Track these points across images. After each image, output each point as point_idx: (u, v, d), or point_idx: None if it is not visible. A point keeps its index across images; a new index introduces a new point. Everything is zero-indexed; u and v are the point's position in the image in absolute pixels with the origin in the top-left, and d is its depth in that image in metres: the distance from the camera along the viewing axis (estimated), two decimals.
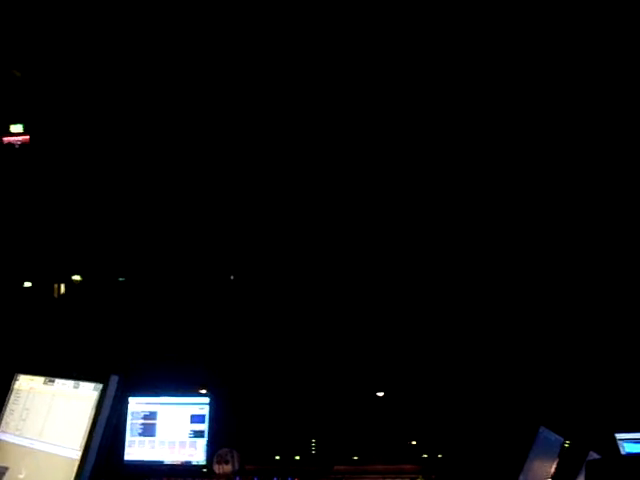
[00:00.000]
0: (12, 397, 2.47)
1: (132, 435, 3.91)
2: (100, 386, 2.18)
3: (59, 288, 5.06)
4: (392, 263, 4.32)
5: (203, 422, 3.90)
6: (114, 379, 2.17)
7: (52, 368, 2.43)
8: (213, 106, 3.88)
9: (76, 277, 5.11)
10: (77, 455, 2.10)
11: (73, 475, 2.06)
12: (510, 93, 3.51)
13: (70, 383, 2.31)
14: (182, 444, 3.89)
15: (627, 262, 3.69)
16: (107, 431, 2.12)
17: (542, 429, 3.25)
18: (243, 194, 4.36)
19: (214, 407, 3.93)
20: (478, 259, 4.12)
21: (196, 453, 3.87)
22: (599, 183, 3.71)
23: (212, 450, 3.89)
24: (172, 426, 3.91)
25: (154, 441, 3.90)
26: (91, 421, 2.13)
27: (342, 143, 3.86)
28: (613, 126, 3.41)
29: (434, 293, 4.29)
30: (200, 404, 3.93)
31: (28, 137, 4.47)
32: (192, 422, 3.90)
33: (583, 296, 3.80)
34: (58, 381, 2.36)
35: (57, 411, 2.29)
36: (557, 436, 3.00)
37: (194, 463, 3.87)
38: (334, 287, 4.52)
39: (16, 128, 4.50)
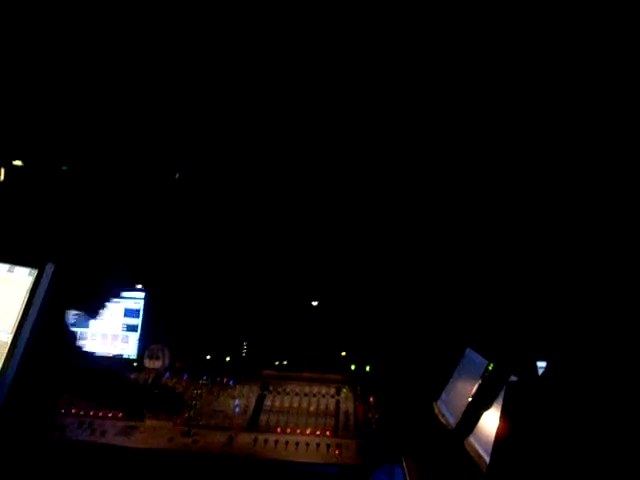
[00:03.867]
0: None
1: None
2: (35, 272, 2.17)
3: None
4: (327, 170, 4.31)
5: (137, 317, 3.92)
6: (50, 266, 2.16)
7: None
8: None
9: (17, 162, 5.00)
10: (8, 338, 2.10)
11: (3, 357, 2.07)
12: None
13: (5, 267, 2.29)
14: (114, 337, 3.91)
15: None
16: (40, 317, 2.12)
17: (468, 350, 3.35)
18: (189, 90, 4.26)
19: (148, 303, 3.95)
20: (409, 175, 4.14)
21: (128, 347, 3.90)
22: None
23: (144, 345, 3.92)
24: (106, 319, 3.92)
25: (86, 333, 3.91)
26: (24, 305, 2.13)
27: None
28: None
29: (370, 202, 4.31)
30: (135, 299, 3.94)
31: None
32: (126, 316, 3.92)
33: (516, 217, 3.86)
34: None
35: None
36: (482, 358, 3.09)
37: (125, 356, 3.90)
38: (275, 189, 4.51)
39: None
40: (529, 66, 3.24)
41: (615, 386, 1.58)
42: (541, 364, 2.91)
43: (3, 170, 4.98)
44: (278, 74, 3.79)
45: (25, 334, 2.09)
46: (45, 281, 2.15)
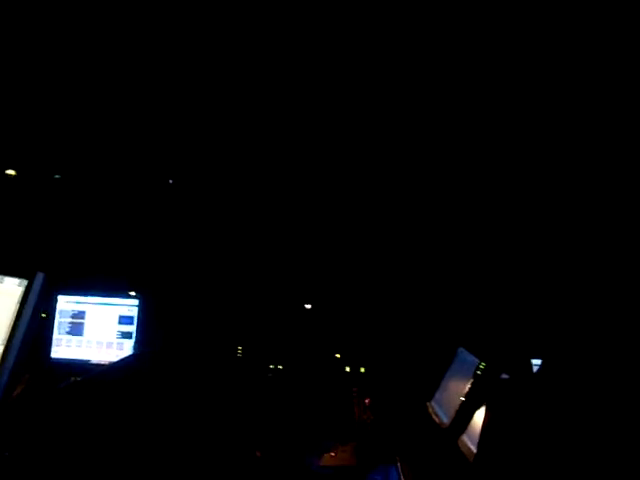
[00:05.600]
0: None
1: (60, 333, 3.92)
2: (25, 282, 2.18)
3: None
4: (322, 177, 4.33)
5: (131, 323, 3.93)
6: (40, 276, 2.16)
7: None
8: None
9: (10, 171, 5.01)
10: None
11: None
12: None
13: None
14: (109, 344, 3.91)
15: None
16: (31, 326, 2.13)
17: (460, 350, 3.37)
18: (188, 93, 4.27)
19: (143, 309, 3.96)
20: (403, 180, 4.16)
21: (123, 354, 3.90)
22: None
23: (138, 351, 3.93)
24: (100, 326, 3.93)
25: (81, 340, 3.92)
26: (15, 316, 2.14)
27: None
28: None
29: (363, 210, 4.33)
30: (129, 306, 3.95)
31: None
32: (120, 323, 3.92)
33: (508, 219, 3.88)
34: None
35: None
36: (474, 357, 3.11)
37: None
38: (268, 199, 4.52)
39: None
40: (529, 66, 3.26)
41: (612, 386, 1.59)
42: (536, 361, 2.92)
43: None
44: (277, 78, 3.81)
45: (16, 344, 2.10)
46: (35, 291, 2.16)
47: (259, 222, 4.54)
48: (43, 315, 3.66)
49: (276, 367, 4.01)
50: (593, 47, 3.10)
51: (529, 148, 3.69)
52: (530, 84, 3.43)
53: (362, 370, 3.99)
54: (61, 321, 3.93)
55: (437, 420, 3.27)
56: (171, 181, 4.92)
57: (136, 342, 3.91)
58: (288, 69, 3.72)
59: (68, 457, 1.61)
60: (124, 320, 3.93)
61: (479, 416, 2.82)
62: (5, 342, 2.11)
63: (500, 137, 3.74)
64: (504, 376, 2.71)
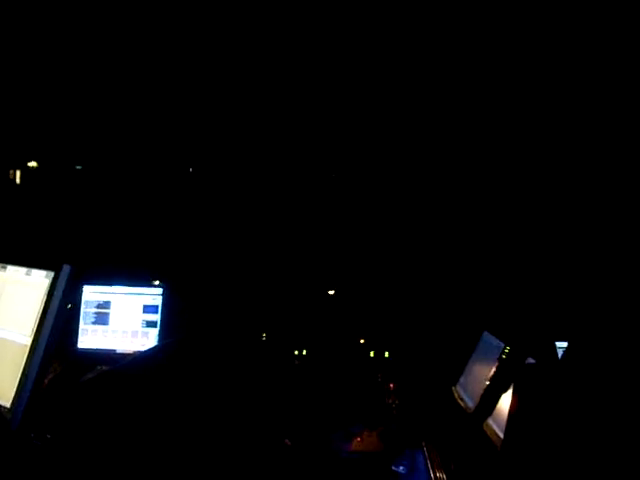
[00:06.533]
0: None
1: (85, 323, 3.94)
2: (52, 274, 2.20)
3: (14, 174, 5.00)
4: (343, 163, 4.32)
5: (156, 312, 3.94)
6: (66, 268, 2.18)
7: (4, 254, 2.43)
8: None
9: (32, 163, 5.04)
10: (28, 341, 2.13)
11: (24, 359, 2.10)
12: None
13: (22, 270, 2.31)
14: (134, 333, 3.93)
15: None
16: (58, 318, 2.14)
17: (485, 334, 3.36)
18: (206, 85, 4.28)
19: (167, 298, 3.97)
20: (424, 163, 4.15)
21: (148, 343, 3.92)
22: None
23: (164, 340, 3.94)
24: (125, 315, 3.95)
25: (107, 330, 3.94)
26: (42, 308, 2.16)
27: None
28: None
29: (385, 196, 4.32)
30: (153, 295, 3.97)
31: None
32: (145, 312, 3.94)
33: (529, 201, 3.86)
34: (10, 267, 2.36)
35: (9, 297, 2.31)
36: (499, 341, 3.10)
37: None
38: (291, 184, 4.52)
39: None
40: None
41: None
42: (560, 344, 2.91)
43: (19, 172, 5.02)
44: (287, 73, 3.81)
45: (45, 335, 2.12)
46: (62, 283, 2.17)
47: (281, 208, 4.55)
48: (69, 306, 3.68)
49: (300, 353, 4.02)
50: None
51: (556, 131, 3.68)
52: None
53: (386, 355, 3.99)
54: (86, 311, 3.95)
55: (462, 405, 3.27)
56: (191, 169, 4.94)
57: (160, 331, 3.93)
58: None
59: (96, 446, 1.63)
60: (149, 309, 3.94)
61: (504, 400, 2.82)
62: (34, 334, 2.13)
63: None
64: (530, 361, 2.71)
